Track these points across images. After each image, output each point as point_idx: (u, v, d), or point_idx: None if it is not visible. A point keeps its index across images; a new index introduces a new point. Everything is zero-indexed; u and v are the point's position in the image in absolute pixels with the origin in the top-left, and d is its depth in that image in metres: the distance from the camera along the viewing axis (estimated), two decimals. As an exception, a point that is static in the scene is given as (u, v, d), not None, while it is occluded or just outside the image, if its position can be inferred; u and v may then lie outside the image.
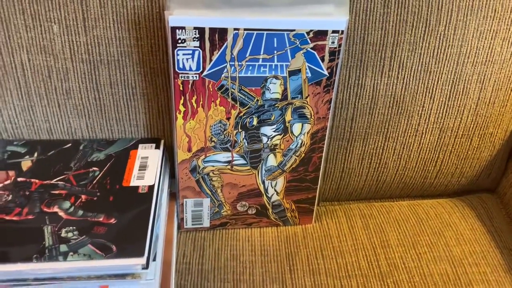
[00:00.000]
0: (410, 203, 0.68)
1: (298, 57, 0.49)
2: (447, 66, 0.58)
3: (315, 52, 0.49)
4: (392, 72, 0.57)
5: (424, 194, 0.71)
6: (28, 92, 0.55)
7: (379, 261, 0.59)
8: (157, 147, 0.57)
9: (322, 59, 0.50)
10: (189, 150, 0.54)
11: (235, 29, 0.46)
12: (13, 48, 0.52)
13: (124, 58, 0.53)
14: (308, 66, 0.50)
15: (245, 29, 0.46)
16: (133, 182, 0.52)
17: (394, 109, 0.60)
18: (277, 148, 0.56)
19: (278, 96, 0.52)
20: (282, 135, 0.55)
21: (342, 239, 0.62)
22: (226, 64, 0.48)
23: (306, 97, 0.52)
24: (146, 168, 0.54)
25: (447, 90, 0.60)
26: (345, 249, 0.61)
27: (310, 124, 0.54)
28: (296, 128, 0.54)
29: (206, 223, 0.61)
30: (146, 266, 0.43)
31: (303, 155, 0.57)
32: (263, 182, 0.58)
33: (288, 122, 0.54)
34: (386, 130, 0.62)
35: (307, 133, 0.55)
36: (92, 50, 0.53)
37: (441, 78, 0.59)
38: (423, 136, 0.63)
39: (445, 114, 0.61)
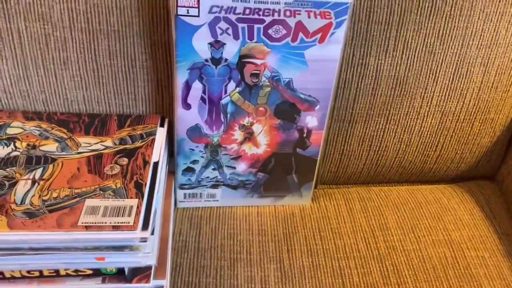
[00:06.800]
0: (409, 188, 0.68)
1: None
2: (451, 47, 0.57)
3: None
4: (396, 52, 0.57)
5: (422, 179, 0.71)
6: (24, 61, 0.53)
7: (378, 243, 0.59)
8: (162, 125, 0.56)
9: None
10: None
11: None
12: (10, 14, 0.51)
13: (124, 28, 0.52)
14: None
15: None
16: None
17: (397, 91, 0.59)
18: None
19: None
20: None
21: (341, 220, 0.61)
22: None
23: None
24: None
25: (451, 73, 0.59)
26: (344, 230, 0.60)
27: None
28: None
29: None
30: (145, 239, 0.42)
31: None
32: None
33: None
34: (388, 112, 0.61)
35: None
36: (91, 19, 0.51)
37: (445, 60, 0.58)
38: (425, 119, 0.62)
39: (448, 97, 0.61)
